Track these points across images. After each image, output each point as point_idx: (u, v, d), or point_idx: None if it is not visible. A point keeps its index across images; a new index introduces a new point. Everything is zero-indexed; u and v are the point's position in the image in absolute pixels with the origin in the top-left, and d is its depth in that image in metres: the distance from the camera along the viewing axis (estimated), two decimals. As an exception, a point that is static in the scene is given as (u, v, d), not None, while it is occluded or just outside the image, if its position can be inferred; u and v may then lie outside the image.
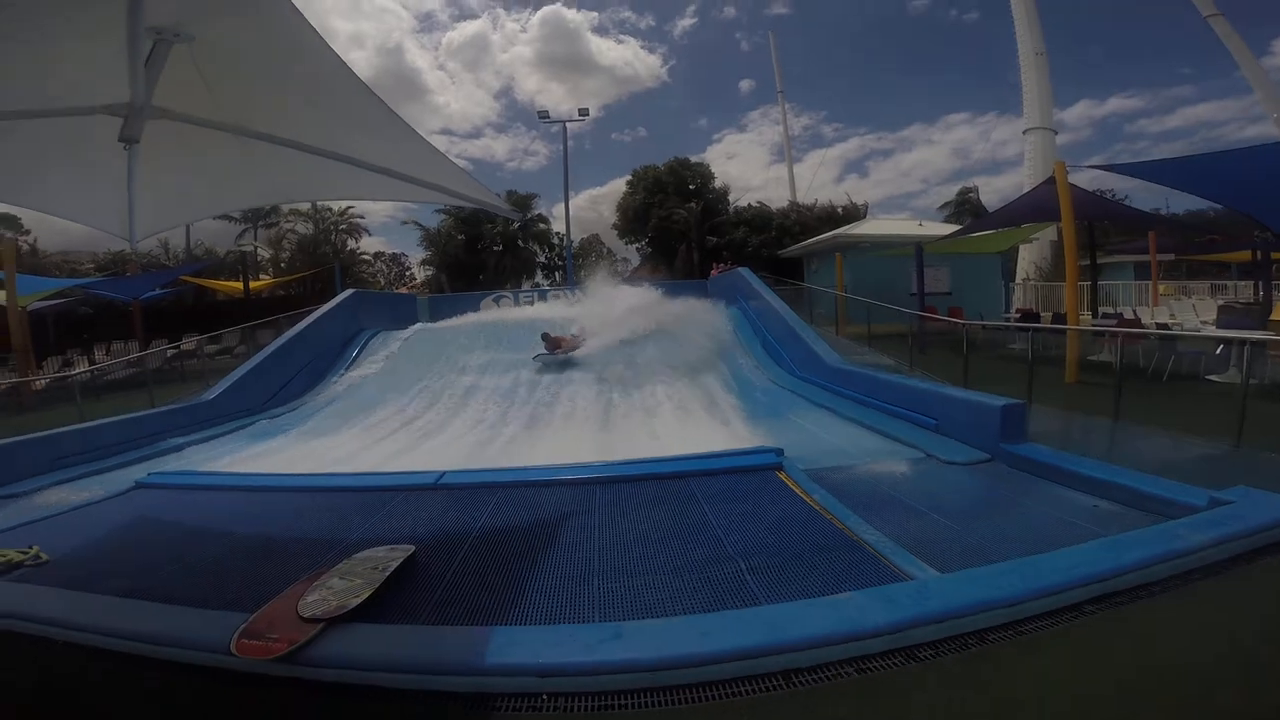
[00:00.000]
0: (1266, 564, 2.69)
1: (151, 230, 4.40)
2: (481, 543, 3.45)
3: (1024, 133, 36.00)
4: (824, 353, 8.76)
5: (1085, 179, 9.91)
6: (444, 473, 4.75)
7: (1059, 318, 12.53)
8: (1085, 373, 8.58)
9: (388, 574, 2.64)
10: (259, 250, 32.92)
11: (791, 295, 14.11)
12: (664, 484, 4.34)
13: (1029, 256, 30.74)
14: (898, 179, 73.38)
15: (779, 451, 4.79)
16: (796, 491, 4.05)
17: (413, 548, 3.04)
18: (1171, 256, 20.77)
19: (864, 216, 30.46)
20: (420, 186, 4.07)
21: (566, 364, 10.44)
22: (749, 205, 35.01)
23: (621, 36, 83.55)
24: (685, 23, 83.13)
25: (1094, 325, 10.88)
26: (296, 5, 2.59)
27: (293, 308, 16.35)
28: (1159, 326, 11.07)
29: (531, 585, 2.85)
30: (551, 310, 15.16)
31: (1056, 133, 36.06)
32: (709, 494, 4.07)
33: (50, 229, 30.71)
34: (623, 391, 8.88)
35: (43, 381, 12.66)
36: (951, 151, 72.19)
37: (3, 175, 3.40)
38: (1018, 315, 14.57)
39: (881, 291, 13.04)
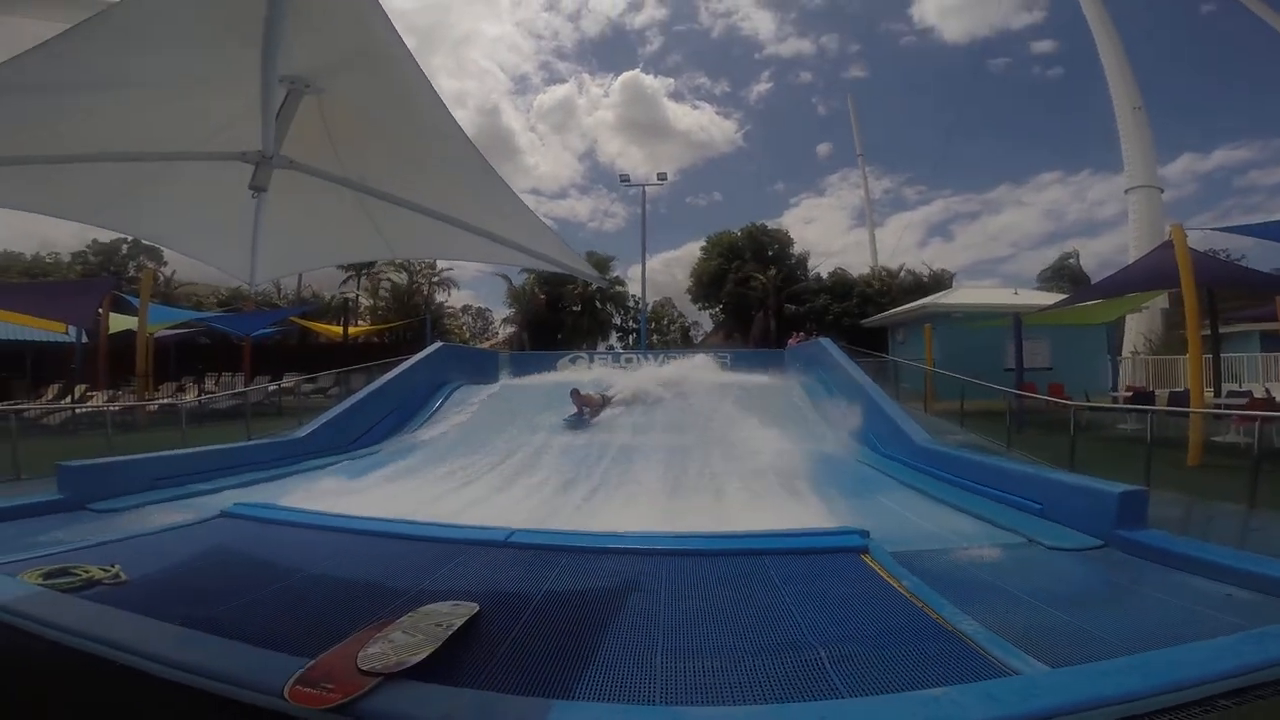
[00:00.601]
0: None
1: (271, 275, 4.77)
2: (545, 606, 3.33)
3: (1126, 192, 34.33)
4: (911, 430, 8.34)
5: (1196, 239, 9.17)
6: (514, 530, 4.70)
7: (1176, 396, 11.49)
8: (1209, 455, 7.77)
9: (451, 632, 2.57)
10: (359, 297, 35.27)
11: (875, 368, 13.61)
12: (736, 560, 4.12)
13: (1137, 327, 28.60)
14: (985, 243, 71.28)
15: (864, 533, 4.48)
16: (883, 576, 3.75)
17: (476, 606, 2.95)
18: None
19: (950, 285, 29.46)
20: (515, 249, 4.20)
21: (637, 430, 10.35)
22: (830, 272, 34.63)
23: (697, 102, 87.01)
24: (760, 88, 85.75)
25: (1219, 407, 9.83)
26: (421, 67, 2.74)
27: (385, 354, 17.33)
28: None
29: (593, 656, 2.70)
30: (623, 376, 15.23)
31: (1162, 190, 34.10)
32: (785, 574, 3.80)
33: (182, 260, 33.83)
34: (692, 462, 8.65)
35: (155, 406, 13.75)
36: (1043, 213, 69.71)
37: (149, 217, 3.78)
38: (1128, 393, 13.47)
39: (973, 366, 12.40)
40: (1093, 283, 23.83)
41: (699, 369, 15.69)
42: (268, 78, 2.39)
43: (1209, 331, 12.21)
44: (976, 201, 73.69)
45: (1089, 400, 12.30)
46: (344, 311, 24.53)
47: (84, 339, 17.44)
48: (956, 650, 2.68)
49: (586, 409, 10.67)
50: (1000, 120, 78.26)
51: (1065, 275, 33.97)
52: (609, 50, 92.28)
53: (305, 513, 5.50)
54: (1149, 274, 10.70)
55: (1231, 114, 65.05)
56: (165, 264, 33.85)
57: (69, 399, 14.92)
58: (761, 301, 32.77)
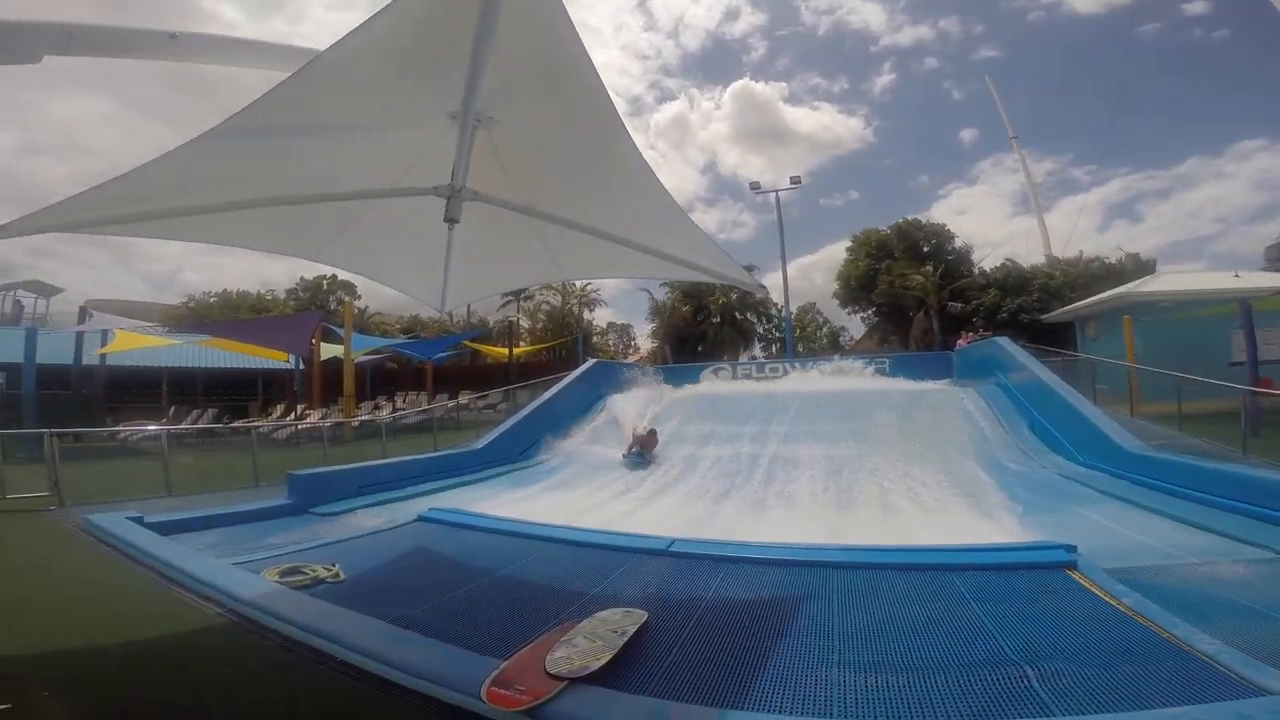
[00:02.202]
0: None
1: (458, 301, 5.21)
2: (710, 615, 3.32)
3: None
4: (1117, 435, 7.40)
5: None
6: (674, 540, 4.75)
7: None
8: None
9: (625, 638, 2.63)
10: (519, 320, 37.84)
11: (1064, 368, 12.07)
12: (918, 575, 3.85)
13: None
14: (1184, 221, 61.15)
15: (1071, 547, 4.00)
16: (1097, 593, 3.33)
17: (646, 614, 3.00)
18: None
19: (1151, 270, 25.65)
20: (683, 265, 4.26)
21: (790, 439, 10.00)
22: (998, 264, 31.46)
23: (815, 103, 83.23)
24: (883, 80, 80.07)
25: None
26: (603, 84, 2.79)
27: (543, 372, 18.44)
28: None
29: (764, 666, 2.64)
30: (770, 386, 14.88)
31: None
32: (978, 591, 3.48)
33: (368, 291, 37.89)
34: (858, 478, 8.18)
35: (358, 421, 15.65)
36: (1252, 184, 58.52)
37: (359, 250, 4.31)
38: None
39: (1185, 361, 10.61)
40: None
41: (856, 380, 14.90)
42: (466, 111, 2.57)
43: None
44: (1164, 178, 63.79)
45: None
46: (509, 334, 26.50)
47: (301, 365, 20.33)
48: (1196, 670, 2.38)
49: (639, 447, 9.83)
50: (1170, 88, 67.06)
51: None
52: (713, 62, 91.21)
53: (489, 518, 5.94)
54: None
55: None
56: (359, 297, 38.52)
57: (292, 416, 17.40)
58: (920, 301, 30.49)
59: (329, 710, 2.49)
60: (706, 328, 35.91)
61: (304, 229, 3.73)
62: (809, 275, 60.21)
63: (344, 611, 3.17)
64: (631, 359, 39.26)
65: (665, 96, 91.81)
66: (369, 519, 6.25)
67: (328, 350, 20.12)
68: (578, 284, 39.22)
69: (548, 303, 40.01)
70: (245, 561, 4.40)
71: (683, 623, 3.16)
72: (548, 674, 2.22)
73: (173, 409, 19.82)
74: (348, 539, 5.35)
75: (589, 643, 2.50)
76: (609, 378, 15.33)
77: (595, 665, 2.30)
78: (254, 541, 5.24)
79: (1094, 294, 20.28)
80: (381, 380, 26.17)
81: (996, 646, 2.72)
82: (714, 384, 16.18)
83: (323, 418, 15.91)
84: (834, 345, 40.29)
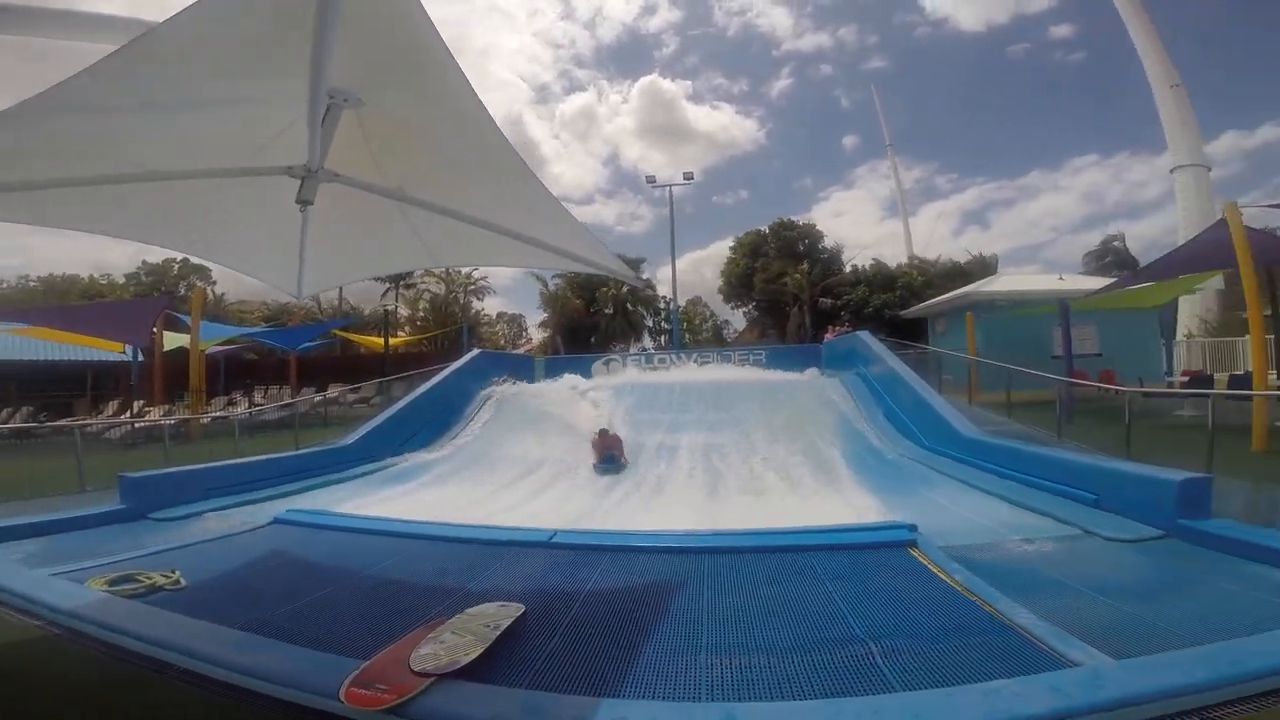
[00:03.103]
0: None
1: (317, 288, 4.88)
2: (590, 605, 3.35)
3: (1171, 171, 33.00)
4: (956, 421, 8.15)
5: (1250, 216, 8.75)
6: (556, 531, 4.75)
7: (1237, 379, 10.98)
8: (1276, 440, 7.43)
9: (499, 632, 2.60)
10: (398, 309, 36.01)
11: (916, 360, 13.25)
12: (780, 557, 4.08)
13: (1191, 310, 27.43)
14: (1025, 229, 69.52)
15: (912, 527, 4.40)
16: (934, 570, 3.67)
17: (523, 607, 2.99)
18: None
19: (994, 271, 28.66)
20: (555, 254, 4.23)
21: (675, 428, 10.29)
22: (869, 263, 33.95)
23: (716, 104, 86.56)
24: (781, 84, 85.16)
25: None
26: (461, 70, 2.75)
27: (424, 364, 17.62)
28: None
29: (638, 654, 2.69)
30: (660, 376, 15.23)
31: (1210, 169, 32.73)
32: (831, 570, 3.75)
33: (229, 278, 35.07)
34: (731, 460, 8.58)
35: (208, 418, 14.25)
36: (1082, 197, 67.70)
37: (198, 232, 3.91)
38: (1184, 378, 12.90)
39: (1018, 354, 11.99)
40: (1140, 265, 22.95)
41: (735, 371, 15.58)
42: (315, 91, 2.43)
43: (1270, 312, 11.64)
44: (1011, 188, 72.15)
45: (1143, 386, 11.82)
46: (384, 323, 25.05)
47: (140, 357, 18.19)
48: (1014, 643, 2.63)
49: (616, 451, 8.91)
50: (1027, 106, 76.75)
51: (1110, 259, 32.75)
52: (626, 55, 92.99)
53: (353, 518, 5.64)
54: (1202, 255, 10.23)
55: (1274, 89, 61.91)
56: (214, 283, 35.09)
57: (127, 414, 15.56)
58: (796, 297, 32.36)
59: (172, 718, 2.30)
60: (599, 319, 36.05)
61: (131, 208, 3.33)
62: (699, 270, 62.26)
63: (183, 619, 2.89)
64: (523, 350, 38.69)
65: (574, 87, 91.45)
66: (217, 523, 5.72)
67: (173, 340, 18.09)
68: (463, 271, 37.99)
69: (430, 290, 38.37)
70: (67, 571, 3.88)
71: (562, 614, 3.16)
72: (413, 671, 2.15)
73: (-24, 407, 17.15)
74: (191, 544, 4.87)
75: (458, 638, 2.45)
76: (496, 369, 15.00)
77: (464, 660, 2.25)
78: (79, 550, 4.62)
79: (945, 293, 22.38)
80: (239, 373, 23.90)
81: (846, 624, 2.93)
82: (605, 376, 16.28)
83: (165, 415, 14.33)
84: (718, 338, 41.79)
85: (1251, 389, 8.92)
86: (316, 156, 2.88)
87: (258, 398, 19.86)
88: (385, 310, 25.68)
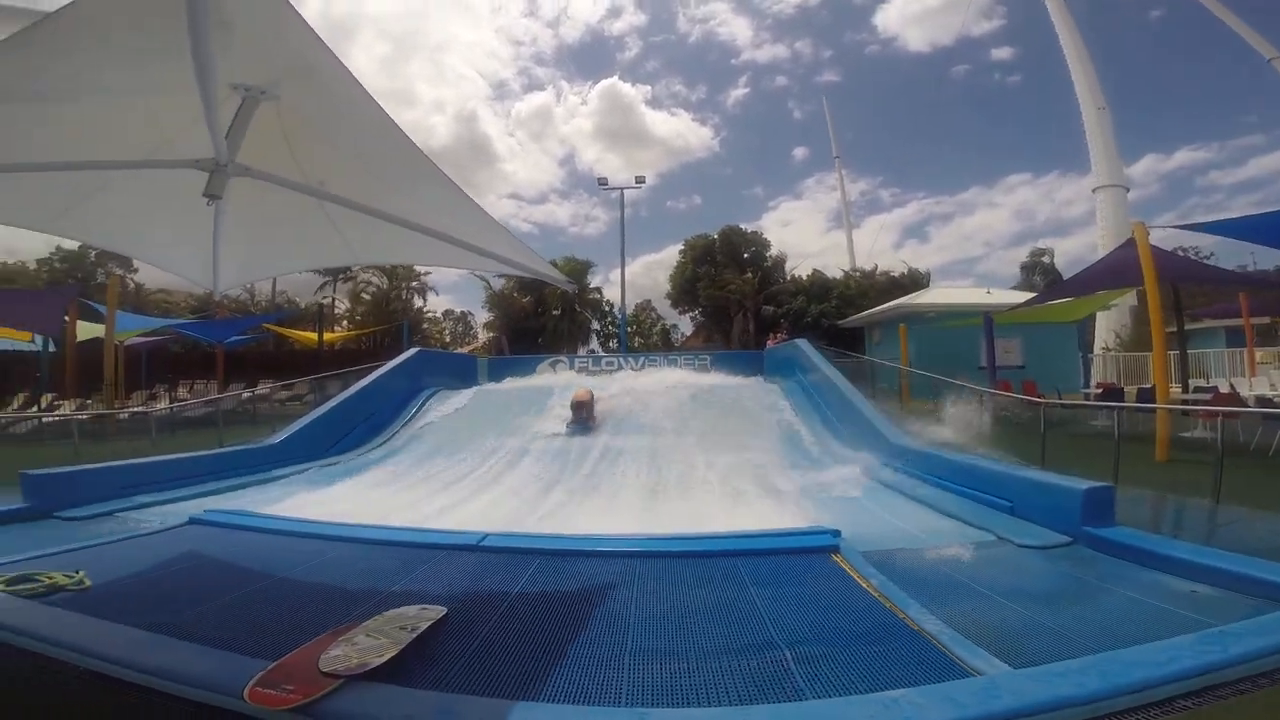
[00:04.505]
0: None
1: (233, 282, 4.69)
2: (516, 609, 3.32)
3: (1094, 191, 35.22)
4: (886, 429, 8.42)
5: (1161, 237, 9.46)
6: (486, 534, 4.66)
7: (1145, 392, 11.75)
8: (1176, 450, 7.96)
9: (415, 634, 2.55)
10: (336, 303, 34.85)
11: (853, 369, 13.70)
12: (709, 562, 4.11)
13: (1108, 324, 29.20)
14: (960, 243, 72.87)
15: (835, 532, 4.49)
16: (853, 575, 3.77)
17: (444, 610, 2.94)
18: (1267, 320, 18.77)
19: (927, 284, 29.83)
20: (482, 255, 4.18)
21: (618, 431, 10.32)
22: (809, 273, 34.86)
23: (674, 110, 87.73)
24: (737, 93, 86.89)
25: (1186, 402, 10.07)
26: (354, 75, 2.72)
27: (362, 361, 17.11)
28: (1259, 401, 10.16)
29: (562, 658, 2.69)
30: (605, 380, 15.21)
31: (1128, 189, 34.97)
32: (757, 575, 3.81)
33: (149, 267, 33.11)
34: (672, 466, 8.65)
35: (125, 414, 13.47)
36: (1014, 214, 71.70)
37: (105, 224, 3.71)
38: (1098, 390, 13.72)
39: (948, 365, 12.58)
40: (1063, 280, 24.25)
41: (679, 375, 15.73)
42: (205, 84, 2.36)
43: (1176, 328, 12.50)
44: (950, 203, 75.55)
45: (1060, 397, 12.52)
46: (319, 318, 24.19)
47: (50, 347, 17.05)
48: (921, 650, 2.68)
49: (584, 411, 10.22)
50: (968, 124, 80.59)
51: (1038, 273, 34.60)
52: (588, 57, 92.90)
53: (275, 519, 5.43)
54: (1115, 272, 10.94)
55: (1191, 115, 66.86)
56: (135, 271, 33.21)
57: (35, 408, 14.56)
58: (740, 304, 32.92)
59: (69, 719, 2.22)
60: (546, 320, 35.80)
61: (31, 195, 3.14)
62: (652, 273, 62.95)
63: (84, 618, 2.76)
64: (468, 349, 38.01)
65: (533, 85, 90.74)
66: (129, 523, 5.44)
67: (88, 330, 17.01)
68: (406, 267, 37.07)
69: (372, 284, 37.29)
70: (-43, 571, 3.64)
71: (485, 618, 3.12)
72: (321, 672, 2.10)
73: None
74: (99, 544, 4.59)
75: (371, 640, 2.39)
76: (435, 368, 14.69)
77: (376, 662, 2.21)
78: (-27, 550, 4.33)
79: (880, 304, 23.18)
80: (162, 367, 22.66)
81: (766, 630, 2.97)
82: (551, 377, 16.14)
83: (77, 409, 13.46)
84: (666, 342, 42.10)
85: (1155, 401, 9.56)
86: (223, 150, 2.77)
87: (181, 392, 18.88)
88: (320, 305, 24.82)
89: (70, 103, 2.64)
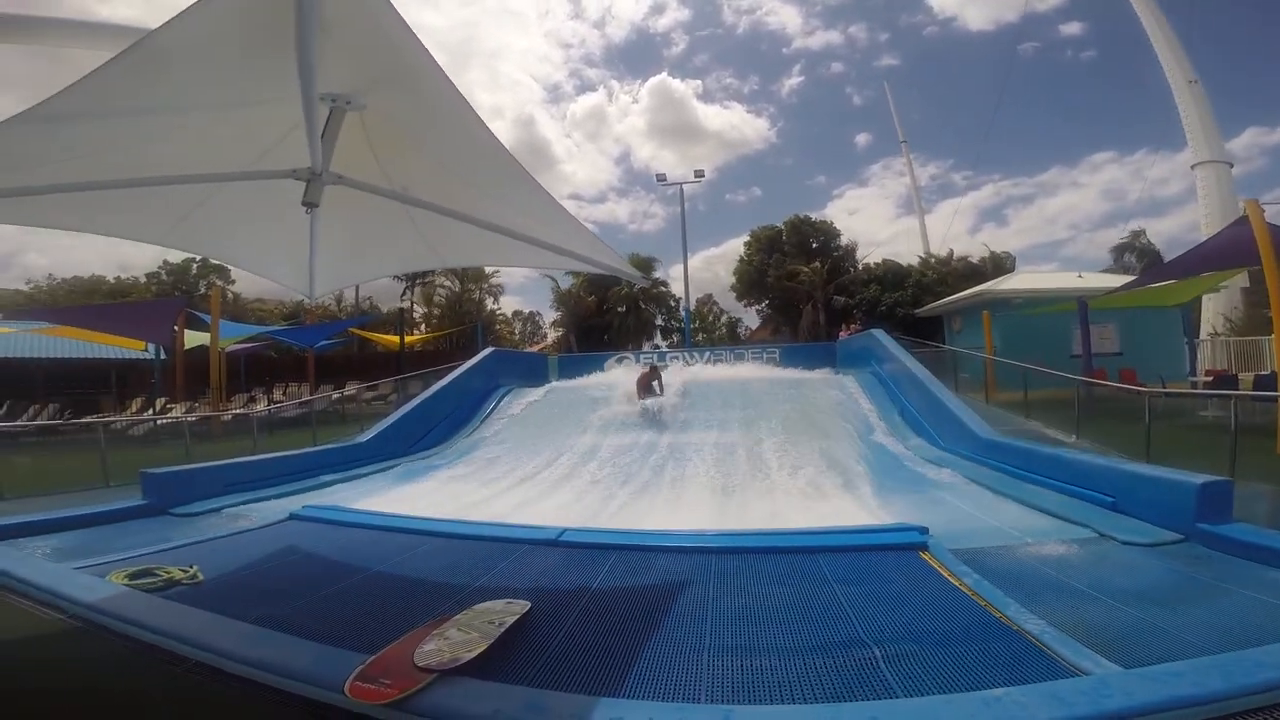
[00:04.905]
0: None
1: (328, 288, 4.95)
2: (596, 604, 3.37)
3: (1192, 168, 32.44)
4: (972, 422, 8.06)
5: (1274, 214, 8.60)
6: (565, 529, 4.77)
7: (1262, 380, 10.75)
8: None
9: (504, 629, 2.62)
10: (414, 307, 36.31)
11: (932, 359, 13.12)
12: (789, 559, 4.06)
13: (1215, 308, 26.81)
14: (1042, 226, 68.42)
15: (923, 529, 4.36)
16: (943, 574, 3.63)
17: (529, 604, 3.01)
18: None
19: (1011, 269, 28.29)
20: (557, 253, 4.25)
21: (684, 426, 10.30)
22: (879, 261, 33.63)
23: (727, 103, 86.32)
24: (791, 82, 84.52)
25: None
26: (454, 83, 2.80)
27: (439, 361, 17.74)
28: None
29: (642, 653, 2.70)
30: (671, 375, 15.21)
31: (1232, 165, 32.06)
32: (840, 573, 3.73)
33: (249, 278, 35.41)
34: (744, 459, 8.56)
35: (228, 416, 14.47)
36: (1101, 194, 66.83)
37: (210, 233, 3.98)
38: (1208, 377, 12.65)
39: (1037, 353, 11.84)
40: (1164, 261, 22.49)
41: (748, 367, 15.58)
42: (307, 96, 2.47)
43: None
44: (1028, 185, 71.00)
45: (1164, 386, 11.62)
46: (399, 321, 25.26)
47: (162, 356, 18.51)
48: (1022, 650, 2.59)
49: (656, 382, 11.32)
50: (1041, 103, 75.32)
51: (1133, 256, 32.19)
52: (635, 55, 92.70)
53: (368, 514, 5.70)
54: (1224, 252, 10.02)
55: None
56: (234, 282, 35.56)
57: (150, 411, 15.84)
58: (809, 295, 32.10)
59: (183, 710, 2.36)
60: (611, 318, 36.02)
61: (145, 212, 3.40)
62: (712, 267, 62.56)
63: (198, 612, 2.95)
64: (537, 347, 38.85)
65: (585, 87, 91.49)
66: (235, 519, 5.83)
67: (193, 339, 18.38)
68: (478, 271, 38.21)
69: (445, 287, 38.64)
70: (89, 565, 4.00)
71: (567, 612, 3.18)
72: (416, 667, 2.18)
73: (5, 405, 17.51)
74: (209, 540, 4.97)
75: (462, 634, 2.47)
76: (509, 367, 15.08)
77: (467, 656, 2.27)
78: (102, 545, 4.74)
79: (960, 291, 22.14)
80: (259, 370, 24.21)
81: (852, 628, 2.91)
82: (615, 373, 16.29)
83: (187, 411, 14.57)
84: (732, 335, 41.65)
85: (1277, 389, 8.73)
86: (319, 160, 2.91)
87: (277, 395, 20.12)
88: (401, 309, 25.88)
89: (177, 117, 2.84)
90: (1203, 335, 23.15)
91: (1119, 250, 33.46)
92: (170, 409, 15.64)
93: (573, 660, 2.62)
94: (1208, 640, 2.62)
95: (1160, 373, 13.02)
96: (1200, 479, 4.27)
